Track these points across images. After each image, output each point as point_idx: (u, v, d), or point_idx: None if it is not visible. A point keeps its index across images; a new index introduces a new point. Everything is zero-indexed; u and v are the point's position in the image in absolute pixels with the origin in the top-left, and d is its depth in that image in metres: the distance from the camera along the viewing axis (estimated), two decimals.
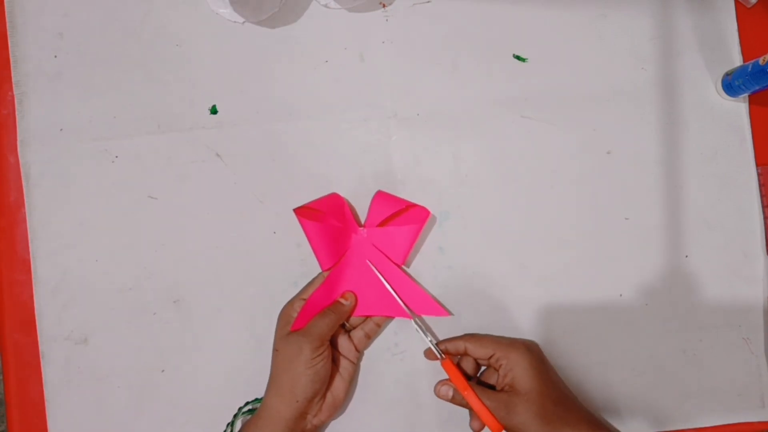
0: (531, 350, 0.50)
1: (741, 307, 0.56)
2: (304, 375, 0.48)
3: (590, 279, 0.56)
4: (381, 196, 0.54)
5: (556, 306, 0.55)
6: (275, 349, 0.50)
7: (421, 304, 0.54)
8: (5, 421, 0.54)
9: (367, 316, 0.54)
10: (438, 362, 0.52)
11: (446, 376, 0.52)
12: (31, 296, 0.55)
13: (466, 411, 0.52)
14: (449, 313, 0.55)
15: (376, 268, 0.54)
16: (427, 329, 0.54)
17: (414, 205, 0.54)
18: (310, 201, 0.54)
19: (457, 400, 0.51)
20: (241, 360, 0.55)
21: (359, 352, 0.54)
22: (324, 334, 0.50)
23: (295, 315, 0.51)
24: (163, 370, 0.55)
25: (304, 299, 0.52)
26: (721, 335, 0.56)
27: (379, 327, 0.54)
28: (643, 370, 0.55)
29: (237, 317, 0.55)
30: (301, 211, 0.53)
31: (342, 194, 0.55)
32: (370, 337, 0.54)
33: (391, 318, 0.55)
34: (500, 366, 0.50)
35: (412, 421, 0.55)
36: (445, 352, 0.52)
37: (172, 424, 0.54)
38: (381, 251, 0.54)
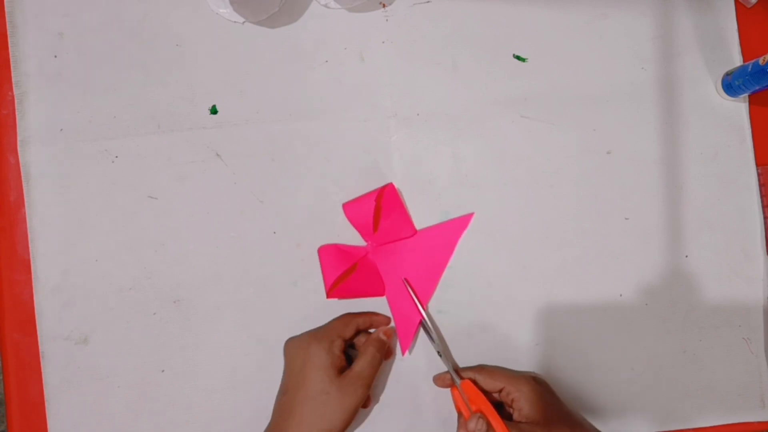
0: (539, 382, 0.50)
1: (741, 307, 0.56)
2: (352, 416, 0.48)
3: (590, 279, 0.56)
4: (350, 208, 0.54)
5: (556, 306, 0.55)
6: (325, 393, 0.48)
7: (450, 234, 0.55)
8: (5, 421, 0.54)
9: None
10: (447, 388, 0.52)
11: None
12: (31, 296, 0.55)
13: None
14: (473, 213, 0.56)
15: (396, 254, 0.55)
16: (446, 352, 0.54)
17: (380, 190, 0.54)
18: (324, 280, 0.55)
19: None
20: (241, 360, 0.55)
21: None
22: (373, 375, 0.50)
23: (334, 353, 0.49)
24: (163, 370, 0.55)
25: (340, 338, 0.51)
26: (721, 335, 0.56)
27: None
28: (643, 370, 0.55)
29: (237, 317, 0.55)
30: (335, 293, 0.54)
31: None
32: None
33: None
34: (512, 399, 0.49)
35: (412, 421, 0.55)
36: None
37: (172, 424, 0.54)
38: (394, 242, 0.55)
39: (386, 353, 0.53)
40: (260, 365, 0.54)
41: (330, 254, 0.54)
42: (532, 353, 0.55)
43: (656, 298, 0.56)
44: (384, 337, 0.52)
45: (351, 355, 0.53)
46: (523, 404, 0.49)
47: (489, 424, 0.48)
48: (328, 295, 0.54)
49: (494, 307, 0.55)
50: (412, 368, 0.55)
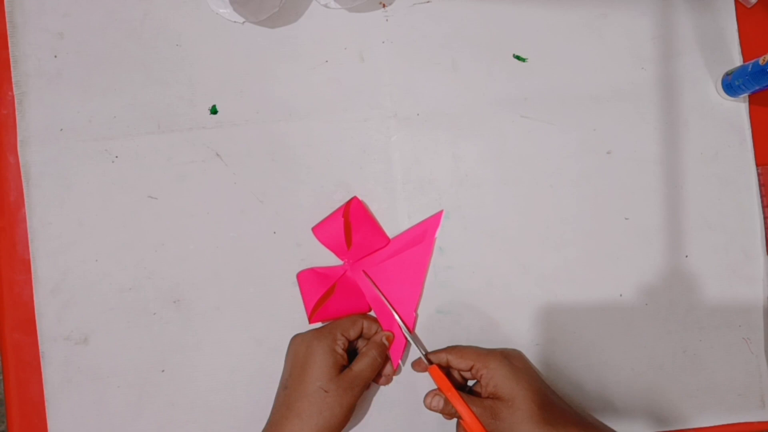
0: (508, 358, 0.50)
1: (741, 307, 0.56)
2: (349, 414, 0.49)
3: (590, 279, 0.56)
4: (320, 230, 0.54)
5: (556, 306, 0.55)
6: (324, 390, 0.48)
7: (424, 235, 0.55)
8: (5, 421, 0.54)
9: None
10: (426, 372, 0.52)
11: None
12: (31, 296, 0.55)
13: None
14: (442, 210, 0.55)
15: (374, 267, 0.54)
16: (417, 340, 0.55)
17: (346, 206, 0.54)
18: (305, 306, 0.54)
19: (447, 410, 0.50)
20: (241, 360, 0.55)
21: None
22: (371, 377, 0.51)
23: (337, 351, 0.50)
24: (163, 370, 0.55)
25: (344, 338, 0.51)
26: (721, 335, 0.56)
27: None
28: (643, 370, 0.55)
29: (237, 317, 0.55)
30: (317, 316, 0.54)
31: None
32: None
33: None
34: (481, 376, 0.50)
35: (412, 421, 0.55)
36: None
37: (172, 424, 0.54)
38: (370, 254, 0.55)
39: (386, 360, 0.53)
40: (260, 365, 0.54)
41: (308, 279, 0.54)
42: (532, 353, 0.55)
43: (656, 298, 0.56)
44: (386, 342, 0.53)
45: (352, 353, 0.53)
46: (488, 380, 0.49)
47: (447, 401, 0.50)
48: (311, 320, 0.54)
49: (494, 307, 0.55)
50: (411, 369, 0.55)
